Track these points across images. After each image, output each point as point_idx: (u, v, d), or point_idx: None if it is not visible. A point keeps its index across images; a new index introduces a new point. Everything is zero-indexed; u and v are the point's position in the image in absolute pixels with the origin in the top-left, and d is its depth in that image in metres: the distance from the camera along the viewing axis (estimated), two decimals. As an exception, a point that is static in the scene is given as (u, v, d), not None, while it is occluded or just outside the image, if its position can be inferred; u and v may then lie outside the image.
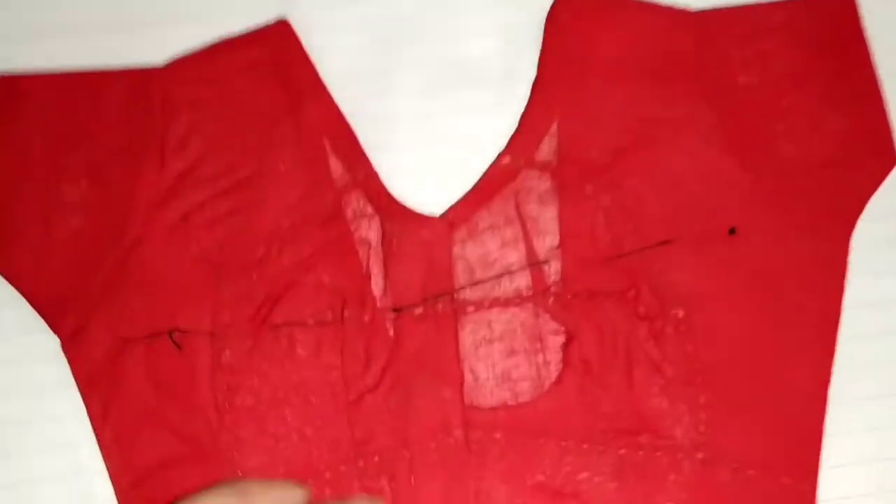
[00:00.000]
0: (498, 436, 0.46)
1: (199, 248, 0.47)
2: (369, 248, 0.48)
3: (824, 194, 0.48)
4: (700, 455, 0.45)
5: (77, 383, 0.47)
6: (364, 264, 0.47)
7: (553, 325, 0.47)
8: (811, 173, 0.48)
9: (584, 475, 0.45)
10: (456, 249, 0.48)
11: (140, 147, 0.48)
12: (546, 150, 0.48)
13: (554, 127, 0.49)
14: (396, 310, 0.47)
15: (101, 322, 0.46)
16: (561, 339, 0.47)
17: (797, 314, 0.46)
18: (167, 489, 0.45)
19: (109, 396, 0.46)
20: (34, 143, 0.48)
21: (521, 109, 0.49)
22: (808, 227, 0.47)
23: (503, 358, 0.47)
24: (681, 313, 0.46)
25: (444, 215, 0.48)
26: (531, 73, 0.50)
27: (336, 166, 0.48)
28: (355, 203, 0.48)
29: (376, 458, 0.45)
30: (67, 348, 0.47)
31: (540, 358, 0.46)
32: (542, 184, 0.48)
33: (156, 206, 0.47)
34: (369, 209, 0.48)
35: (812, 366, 0.46)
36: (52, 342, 0.47)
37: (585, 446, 0.45)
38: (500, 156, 0.49)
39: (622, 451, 0.45)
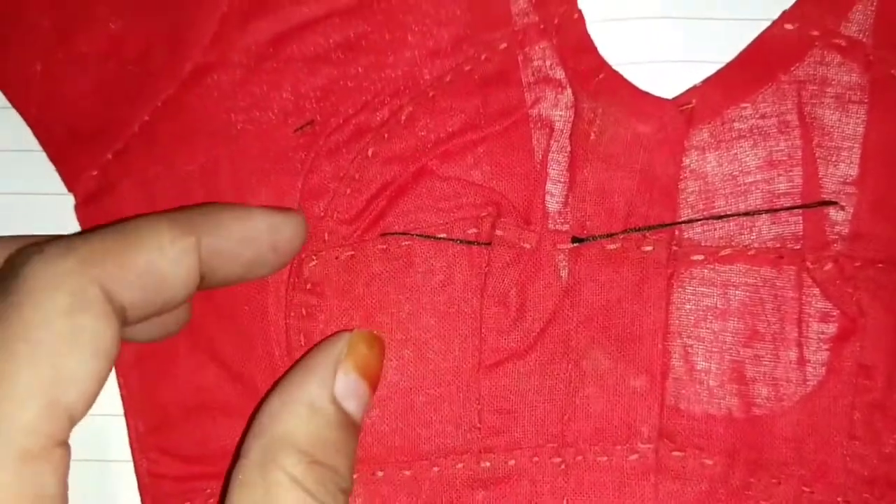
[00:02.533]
0: (710, 462, 0.29)
1: (292, 95, 0.30)
2: (551, 135, 0.30)
3: None
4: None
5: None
6: (539, 160, 0.30)
7: (824, 303, 0.29)
8: None
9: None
10: (690, 159, 0.30)
11: None
12: (858, 20, 0.30)
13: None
14: (578, 239, 0.30)
15: (135, 177, 0.30)
16: (833, 327, 0.29)
17: None
18: (202, 445, 0.30)
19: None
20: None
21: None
22: None
23: (738, 343, 0.29)
24: None
25: (679, 99, 0.30)
26: None
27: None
28: (540, 60, 0.30)
29: (511, 462, 0.30)
30: (82, 212, 0.31)
31: (794, 352, 0.29)
32: (846, 74, 0.30)
33: (234, 21, 0.30)
34: (560, 74, 0.30)
35: None
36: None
37: (840, 500, 0.29)
38: (780, 19, 0.30)
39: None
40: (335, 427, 0.24)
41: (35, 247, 0.22)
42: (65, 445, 0.21)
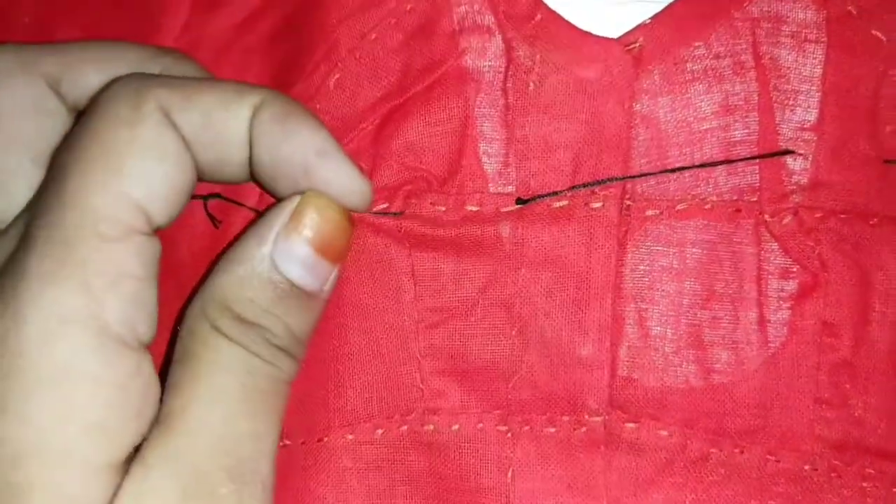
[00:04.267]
0: (666, 433, 0.27)
1: (253, 77, 0.29)
2: (480, 88, 0.27)
3: None
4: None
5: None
6: (471, 116, 0.27)
7: (784, 259, 0.27)
8: None
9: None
10: (641, 105, 0.27)
11: None
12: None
13: None
14: (521, 200, 0.27)
15: None
16: (794, 285, 0.27)
17: None
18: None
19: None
20: None
21: None
22: None
23: (695, 305, 0.27)
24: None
25: (626, 40, 0.27)
26: None
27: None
28: (466, 4, 0.27)
29: (456, 428, 0.27)
30: None
31: (754, 312, 0.27)
32: (801, 10, 0.27)
33: (202, 12, 0.29)
34: (490, 18, 0.27)
35: None
36: None
37: (807, 468, 0.27)
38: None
39: (867, 485, 0.27)
40: (269, 289, 0.23)
41: (125, 76, 0.24)
42: (147, 237, 0.23)
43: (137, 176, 0.23)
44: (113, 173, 0.22)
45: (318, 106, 0.27)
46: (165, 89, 0.23)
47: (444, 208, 0.27)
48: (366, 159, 0.27)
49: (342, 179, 0.24)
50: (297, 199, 0.24)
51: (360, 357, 0.27)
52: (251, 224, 0.25)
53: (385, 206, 0.27)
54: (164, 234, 0.24)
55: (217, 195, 0.28)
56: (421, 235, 0.27)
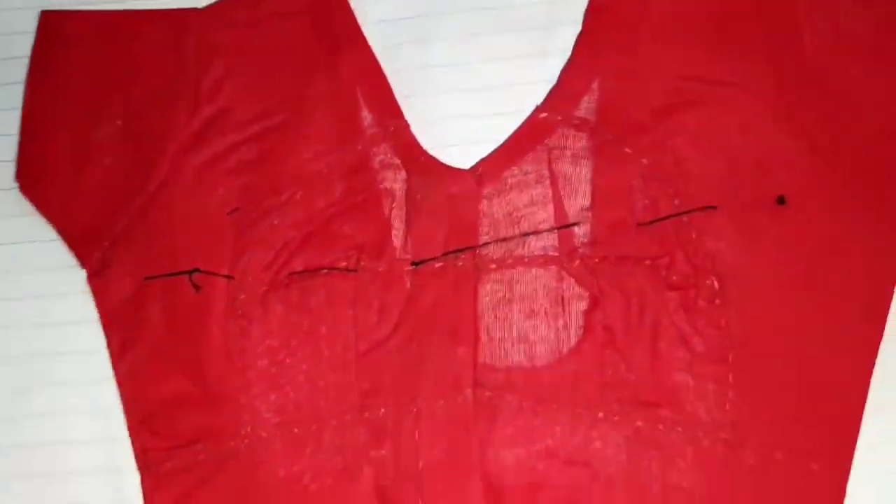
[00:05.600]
0: (510, 398, 0.43)
1: (224, 193, 0.47)
2: (393, 199, 0.46)
3: (887, 168, 0.44)
4: (723, 435, 0.42)
5: (100, 318, 0.47)
6: (386, 216, 0.46)
7: (577, 289, 0.44)
8: (875, 146, 0.44)
9: (596, 445, 0.42)
10: (483, 205, 0.46)
11: (175, 89, 0.48)
12: (585, 107, 0.46)
13: (595, 84, 0.46)
14: (416, 263, 0.45)
15: (124, 259, 0.47)
16: (584, 304, 0.44)
17: (845, 293, 0.43)
18: (175, 427, 0.45)
19: (128, 332, 0.46)
20: (73, 80, 0.49)
21: (562, 60, 0.47)
22: (865, 202, 0.43)
23: (522, 319, 0.44)
24: (716, 284, 0.43)
25: (473, 169, 0.46)
26: (575, 20, 0.48)
27: (367, 117, 0.47)
28: (383, 154, 0.47)
29: (382, 411, 0.44)
30: (93, 282, 0.47)
31: (560, 322, 0.44)
32: (577, 142, 0.46)
33: (186, 149, 0.47)
34: (396, 161, 0.47)
35: (856, 349, 0.42)
36: (80, 277, 0.48)
37: (601, 415, 0.43)
38: (536, 110, 0.47)
39: (639, 424, 0.42)
40: None
41: None
42: None
43: None
44: None
45: (286, 211, 0.46)
46: None
47: (379, 267, 0.45)
48: (323, 239, 0.46)
49: None
50: None
51: (319, 377, 0.45)
52: None
53: (344, 264, 0.45)
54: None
55: (196, 269, 0.46)
56: (365, 286, 0.45)
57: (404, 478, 0.43)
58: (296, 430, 0.44)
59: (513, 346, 0.44)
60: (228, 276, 0.45)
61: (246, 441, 0.44)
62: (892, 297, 0.42)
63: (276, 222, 0.46)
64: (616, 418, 0.42)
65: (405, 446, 0.43)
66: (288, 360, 0.45)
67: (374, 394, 0.44)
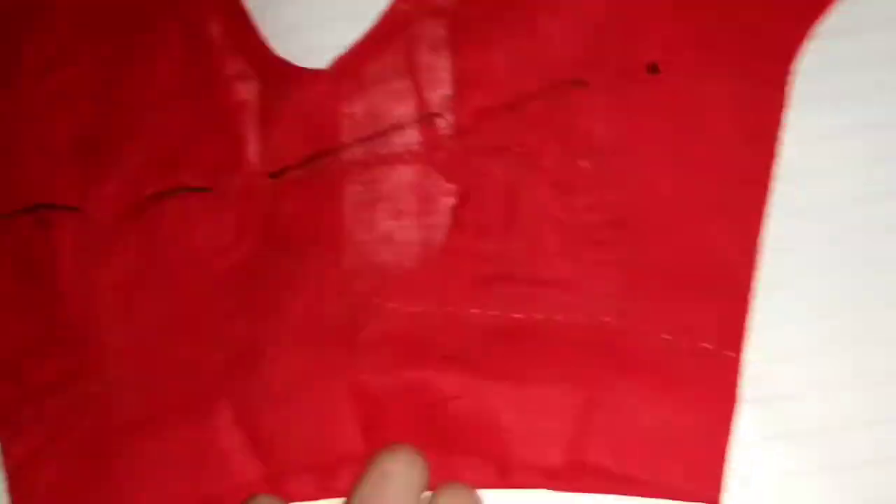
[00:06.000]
0: (377, 301, 0.40)
1: (69, 122, 0.44)
2: (248, 111, 0.43)
3: (761, 26, 0.41)
4: (607, 318, 0.39)
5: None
6: (241, 129, 0.43)
7: (445, 184, 0.42)
8: (746, 3, 0.41)
9: (476, 342, 0.39)
10: (342, 105, 0.43)
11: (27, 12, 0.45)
12: (444, -2, 0.43)
13: (453, -31, 0.43)
14: (274, 174, 0.42)
15: None
16: (453, 199, 0.41)
17: (725, 162, 0.40)
18: (31, 373, 0.42)
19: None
20: None
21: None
22: (741, 63, 0.41)
23: (387, 219, 0.41)
24: (590, 165, 0.40)
25: (329, 69, 0.43)
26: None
27: (215, 28, 0.44)
28: (235, 66, 0.44)
29: (242, 333, 0.41)
30: None
31: (429, 220, 0.41)
32: (436, 30, 0.43)
33: (38, 73, 0.44)
34: (249, 71, 0.44)
35: (739, 216, 0.39)
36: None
37: (475, 311, 0.40)
38: (394, 2, 0.44)
39: (518, 316, 0.40)
40: None
41: None
42: None
43: None
44: None
45: (125, 146, 0.43)
46: None
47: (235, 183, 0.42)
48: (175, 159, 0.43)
49: None
50: None
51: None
52: None
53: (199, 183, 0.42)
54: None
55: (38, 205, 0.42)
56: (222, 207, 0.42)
57: (265, 399, 0.39)
58: (152, 367, 0.41)
59: (378, 248, 0.41)
60: (74, 209, 0.42)
61: (100, 385, 0.41)
62: (773, 158, 0.40)
63: (124, 147, 0.43)
64: (492, 313, 0.40)
65: (267, 368, 0.40)
66: (141, 293, 0.41)
67: (232, 316, 0.41)
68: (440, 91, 0.42)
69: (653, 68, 0.41)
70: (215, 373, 0.40)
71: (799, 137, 0.40)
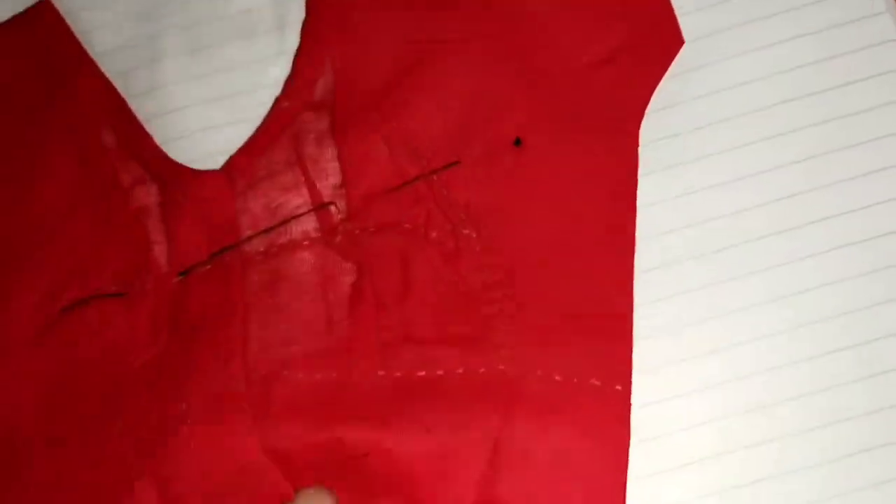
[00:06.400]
0: (286, 373, 0.43)
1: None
2: (149, 215, 0.46)
3: (608, 91, 0.46)
4: (502, 366, 0.43)
5: None
6: (145, 233, 0.46)
7: (343, 264, 0.45)
8: (592, 72, 0.46)
9: (383, 401, 0.42)
10: (238, 202, 0.46)
11: None
12: (322, 89, 0.47)
13: (327, 65, 0.47)
14: (182, 273, 0.45)
15: None
16: (352, 277, 0.45)
17: (593, 217, 0.45)
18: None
19: None
20: None
21: (295, 54, 0.48)
22: (594, 127, 0.46)
23: (291, 300, 0.45)
24: (474, 232, 0.44)
25: (222, 169, 0.47)
26: (303, 17, 0.49)
27: (109, 138, 0.47)
28: (133, 171, 0.47)
29: (152, 424, 0.43)
30: None
31: (331, 297, 0.45)
32: (320, 124, 0.47)
33: None
34: (147, 176, 0.46)
35: (611, 259, 0.44)
36: None
37: (381, 373, 0.43)
38: (277, 101, 0.47)
39: (421, 373, 0.43)
40: None
41: None
42: None
43: None
44: None
45: (35, 261, 0.45)
46: None
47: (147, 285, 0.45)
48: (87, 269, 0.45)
49: None
50: None
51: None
52: None
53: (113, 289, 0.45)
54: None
55: None
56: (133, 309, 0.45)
57: (183, 471, 0.42)
58: (72, 463, 0.43)
59: (284, 326, 0.44)
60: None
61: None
62: (634, 211, 0.44)
63: (34, 262, 0.45)
64: (396, 374, 0.43)
65: (182, 444, 0.42)
66: (59, 401, 0.43)
67: (146, 405, 0.43)
68: (330, 180, 0.46)
69: (517, 142, 0.45)
70: (134, 457, 0.42)
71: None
